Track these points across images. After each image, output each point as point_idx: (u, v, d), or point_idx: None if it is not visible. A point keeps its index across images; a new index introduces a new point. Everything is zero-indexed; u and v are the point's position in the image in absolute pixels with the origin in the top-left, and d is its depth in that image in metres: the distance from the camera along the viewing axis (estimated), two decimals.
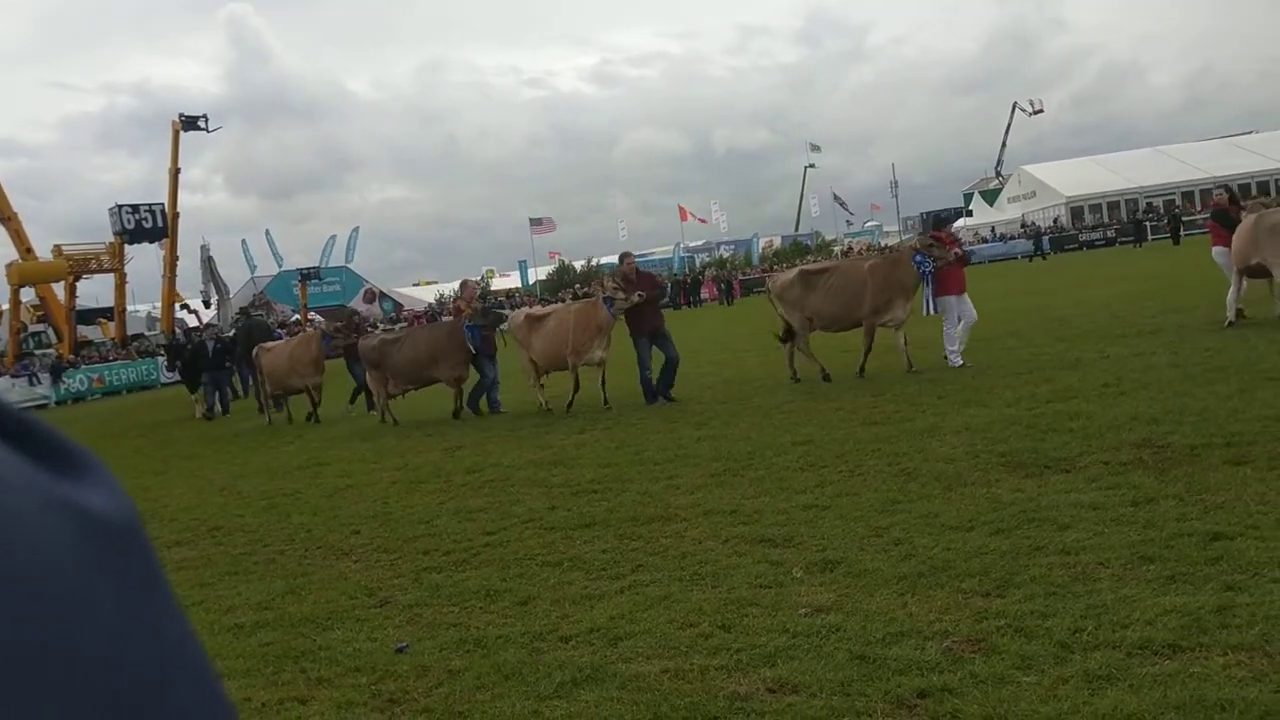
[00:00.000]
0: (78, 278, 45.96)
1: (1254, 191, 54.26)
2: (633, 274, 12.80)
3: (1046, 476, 6.25)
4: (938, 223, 12.58)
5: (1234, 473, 5.69)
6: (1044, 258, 51.96)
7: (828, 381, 12.01)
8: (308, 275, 52.22)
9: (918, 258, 11.94)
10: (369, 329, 18.62)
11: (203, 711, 0.46)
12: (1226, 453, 6.12)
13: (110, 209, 45.39)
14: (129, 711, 0.42)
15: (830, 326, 12.82)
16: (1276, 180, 57.25)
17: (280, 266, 62.68)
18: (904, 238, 75.85)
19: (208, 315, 50.13)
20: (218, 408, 20.58)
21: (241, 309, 28.45)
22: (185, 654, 0.47)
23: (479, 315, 13.87)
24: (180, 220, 46.67)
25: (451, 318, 15.50)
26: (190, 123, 46.35)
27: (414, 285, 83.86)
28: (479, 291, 17.78)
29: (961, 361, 11.77)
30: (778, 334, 13.28)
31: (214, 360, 20.60)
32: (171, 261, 47.31)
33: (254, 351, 18.15)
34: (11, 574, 0.40)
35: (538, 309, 15.74)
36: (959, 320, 12.07)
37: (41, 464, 0.45)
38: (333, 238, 68.51)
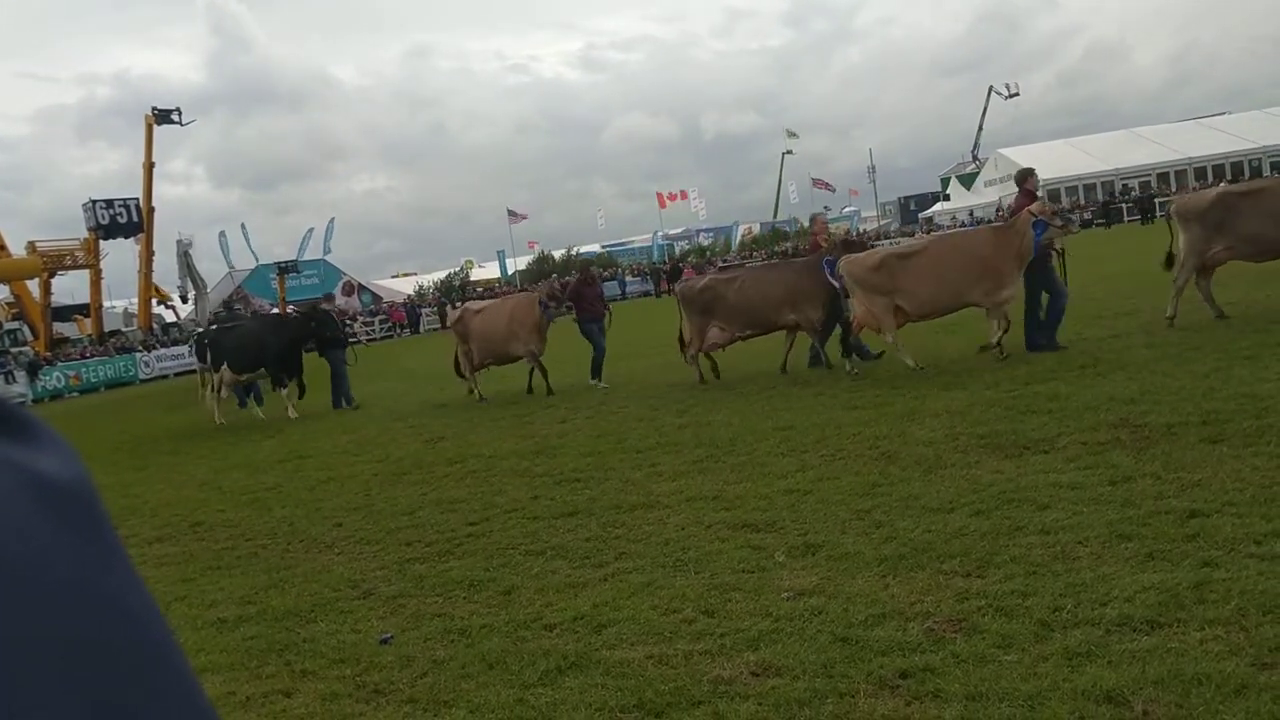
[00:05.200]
0: (53, 274, 45.55)
1: (1227, 172, 54.78)
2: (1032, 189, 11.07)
3: (1025, 457, 6.30)
4: None
5: (1210, 450, 5.75)
6: None
7: (1223, 318, 10.72)
8: (286, 269, 51.75)
9: None
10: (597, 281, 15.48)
11: (160, 669, 0.46)
12: (1203, 431, 6.18)
13: (84, 204, 44.98)
14: (87, 670, 0.42)
15: (1264, 254, 11.08)
16: (1250, 160, 57.72)
17: (257, 261, 62.23)
18: (882, 223, 76.11)
19: (185, 311, 49.71)
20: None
21: (224, 303, 28.22)
22: (143, 616, 0.46)
23: (838, 248, 11.74)
24: (161, 213, 46.44)
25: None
26: (164, 116, 45.90)
27: (393, 277, 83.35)
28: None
29: None
30: (1165, 260, 11.43)
31: (339, 340, 16.60)
32: (147, 257, 46.92)
33: (459, 314, 15.44)
34: None
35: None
36: None
37: None
38: (310, 230, 68.11)
